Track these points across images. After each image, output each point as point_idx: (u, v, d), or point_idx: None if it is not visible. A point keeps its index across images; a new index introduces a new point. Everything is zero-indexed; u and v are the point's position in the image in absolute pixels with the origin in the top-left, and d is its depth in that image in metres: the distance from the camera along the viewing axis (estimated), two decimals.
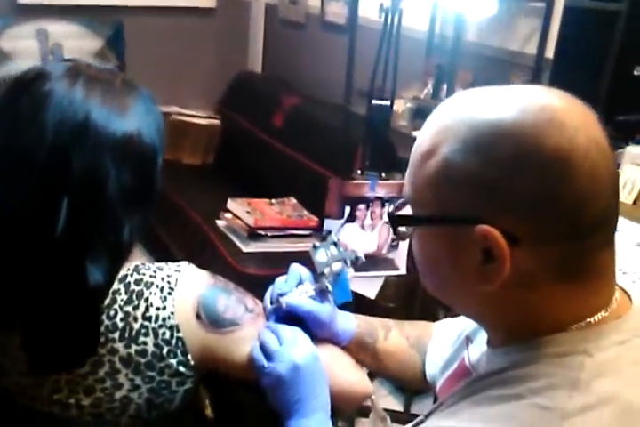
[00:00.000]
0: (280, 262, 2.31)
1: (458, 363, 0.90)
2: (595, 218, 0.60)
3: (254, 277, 2.25)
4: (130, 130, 0.81)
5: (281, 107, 2.86)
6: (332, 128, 2.53)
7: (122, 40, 3.03)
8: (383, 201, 1.70)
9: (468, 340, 0.91)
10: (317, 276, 0.96)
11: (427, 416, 0.84)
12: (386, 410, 1.34)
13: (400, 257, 1.78)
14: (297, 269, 0.98)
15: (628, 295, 0.69)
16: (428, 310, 2.18)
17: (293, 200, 2.61)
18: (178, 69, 3.23)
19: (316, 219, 2.46)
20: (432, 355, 1.05)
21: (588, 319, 0.64)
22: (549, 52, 1.88)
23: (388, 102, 1.51)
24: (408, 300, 2.15)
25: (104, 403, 0.84)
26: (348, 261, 0.96)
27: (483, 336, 0.87)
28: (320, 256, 0.97)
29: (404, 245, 1.79)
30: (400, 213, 0.71)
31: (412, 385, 1.41)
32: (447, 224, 0.65)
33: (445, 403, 0.74)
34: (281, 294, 0.94)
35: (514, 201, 0.60)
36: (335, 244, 0.97)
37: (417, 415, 1.69)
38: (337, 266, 0.97)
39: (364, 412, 1.24)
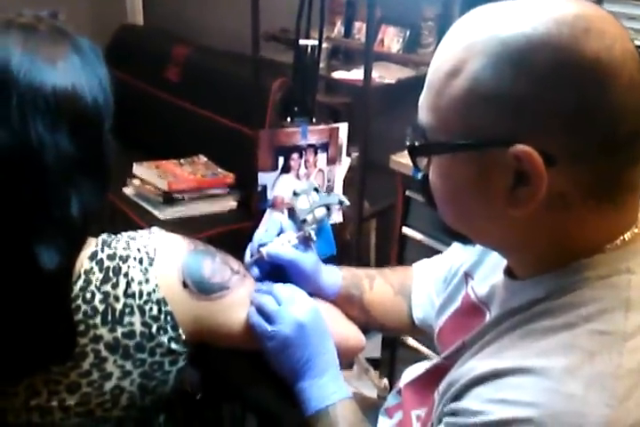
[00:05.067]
0: (201, 226, 2.23)
1: (461, 300, 0.87)
2: (629, 132, 0.57)
3: None
4: (62, 84, 0.66)
5: (173, 60, 2.66)
6: (234, 77, 2.38)
7: None
8: (315, 148, 1.62)
9: (468, 276, 0.87)
10: (299, 224, 0.89)
11: (447, 359, 0.80)
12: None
13: (344, 207, 1.72)
14: (277, 217, 0.90)
15: None
16: (362, 257, 2.17)
17: (203, 158, 2.47)
18: None
19: (232, 175, 2.35)
20: (418, 298, 1.02)
21: (622, 237, 0.62)
22: None
23: (316, 42, 1.41)
24: (343, 247, 2.12)
25: (93, 398, 0.73)
26: (334, 207, 0.90)
27: (485, 270, 0.84)
28: (301, 203, 0.89)
29: (338, 192, 1.74)
30: (419, 143, 0.65)
31: (400, 333, 1.39)
32: (478, 148, 0.59)
33: (477, 343, 0.70)
34: (262, 245, 0.87)
35: (551, 116, 0.56)
36: (316, 189, 0.90)
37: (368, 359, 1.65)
38: (320, 212, 0.90)
39: (348, 364, 1.21)
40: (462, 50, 0.59)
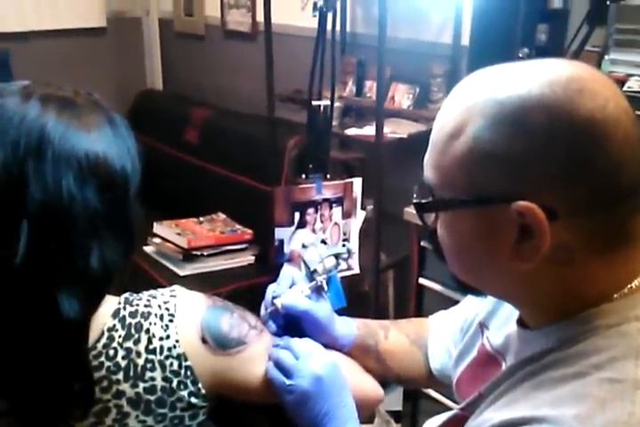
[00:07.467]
0: (220, 281, 2.26)
1: (477, 350, 0.87)
2: (629, 185, 0.60)
3: None
4: (94, 150, 0.71)
5: (192, 122, 2.76)
6: (251, 137, 2.47)
7: (8, 69, 2.82)
8: (330, 202, 1.66)
9: (483, 326, 0.88)
10: (310, 275, 0.92)
11: (464, 409, 0.81)
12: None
13: (353, 257, 1.75)
14: (289, 271, 0.92)
15: None
16: (380, 308, 2.17)
17: (222, 215, 2.53)
18: None
19: (250, 231, 2.39)
20: (434, 348, 1.02)
21: (630, 285, 0.63)
22: (465, 40, 1.92)
23: (328, 102, 1.48)
24: (361, 300, 2.12)
25: None
26: (342, 256, 0.92)
27: (500, 320, 0.85)
28: (310, 255, 0.92)
29: (354, 245, 1.76)
30: (425, 200, 0.68)
31: (416, 384, 1.37)
32: (481, 205, 0.62)
33: (492, 393, 0.70)
34: (275, 297, 0.89)
35: (549, 174, 0.58)
36: (324, 241, 0.93)
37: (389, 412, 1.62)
38: (329, 262, 0.93)
39: (370, 417, 1.20)
40: (463, 111, 0.62)
